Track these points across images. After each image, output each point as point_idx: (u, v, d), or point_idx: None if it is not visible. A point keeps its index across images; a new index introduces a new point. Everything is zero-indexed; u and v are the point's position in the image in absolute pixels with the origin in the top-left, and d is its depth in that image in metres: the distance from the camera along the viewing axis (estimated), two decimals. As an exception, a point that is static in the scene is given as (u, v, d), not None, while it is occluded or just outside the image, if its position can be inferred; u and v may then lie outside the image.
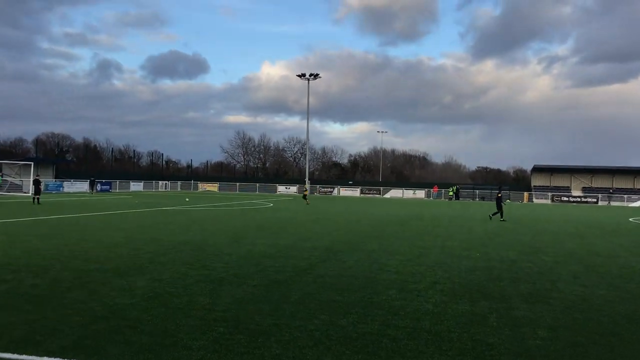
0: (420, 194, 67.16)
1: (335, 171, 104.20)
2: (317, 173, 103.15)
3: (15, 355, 5.16)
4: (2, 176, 43.43)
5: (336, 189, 69.19)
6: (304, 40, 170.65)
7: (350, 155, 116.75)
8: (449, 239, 17.05)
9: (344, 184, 73.30)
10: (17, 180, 48.70)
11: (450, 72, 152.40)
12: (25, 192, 44.88)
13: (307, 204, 39.32)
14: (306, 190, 44.29)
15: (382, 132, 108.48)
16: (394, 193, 67.84)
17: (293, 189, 69.47)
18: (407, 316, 7.18)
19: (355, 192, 68.49)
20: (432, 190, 66.31)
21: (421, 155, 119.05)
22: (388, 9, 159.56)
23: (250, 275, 9.72)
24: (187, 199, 40.64)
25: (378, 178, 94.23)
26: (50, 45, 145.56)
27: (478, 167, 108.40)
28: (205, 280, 9.11)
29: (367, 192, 68.45)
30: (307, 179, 63.90)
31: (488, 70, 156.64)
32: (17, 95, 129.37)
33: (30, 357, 5.13)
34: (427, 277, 10.17)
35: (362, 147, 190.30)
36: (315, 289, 8.67)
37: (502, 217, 27.27)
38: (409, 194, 67.50)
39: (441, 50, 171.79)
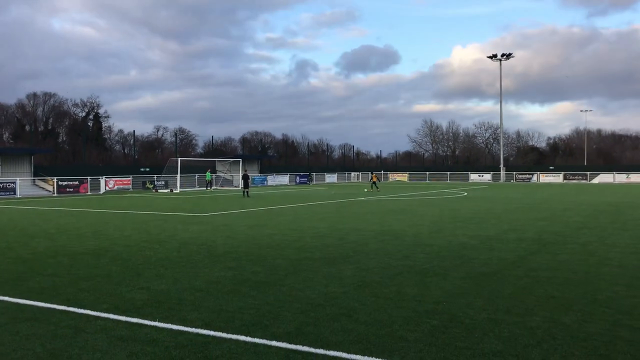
0: (636, 177, 59.86)
1: (532, 156, 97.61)
2: (511, 159, 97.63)
3: (249, 338, 5.64)
4: (211, 173, 48.48)
5: (535, 176, 64.80)
6: (499, 20, 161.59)
7: (549, 139, 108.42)
8: (682, 230, 14.84)
9: (544, 169, 68.34)
10: (228, 176, 54.15)
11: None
12: (235, 187, 49.74)
13: (378, 190, 38.35)
14: (374, 176, 41.69)
15: (587, 110, 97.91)
16: (603, 178, 61.42)
17: (487, 176, 66.78)
18: (643, 317, 6.36)
19: (557, 178, 63.45)
20: (650, 173, 58.71)
21: (633, 134, 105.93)
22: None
23: (455, 267, 9.49)
24: (365, 190, 40.84)
25: (582, 162, 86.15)
26: (255, 50, 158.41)
27: None
28: (410, 271, 9.12)
29: (571, 177, 62.98)
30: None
31: None
32: (226, 99, 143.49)
33: (261, 341, 5.56)
34: (661, 273, 8.94)
35: (564, 129, 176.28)
36: (529, 284, 8.14)
37: None
38: (621, 178, 60.59)
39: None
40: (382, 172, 74.66)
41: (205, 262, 10.14)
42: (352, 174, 72.89)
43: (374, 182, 40.85)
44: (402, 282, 8.26)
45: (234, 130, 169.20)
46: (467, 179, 67.31)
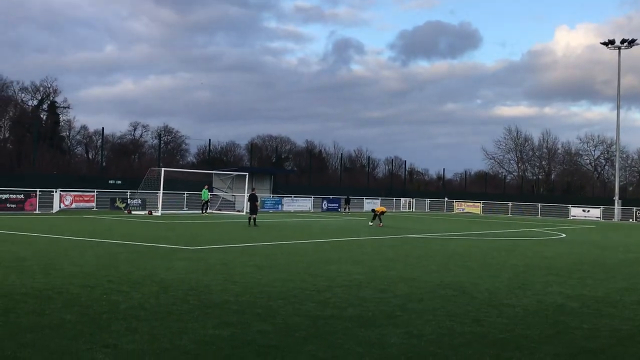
0: None
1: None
2: (631, 189, 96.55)
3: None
4: (209, 191, 48.73)
5: (665, 214, 63.82)
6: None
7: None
8: None
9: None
10: (229, 196, 54.56)
11: None
12: (238, 211, 50.07)
13: (370, 224, 38.05)
14: (381, 208, 40.38)
15: None
16: None
17: (594, 212, 65.98)
18: None
19: (696, 219, 62.37)
20: None
21: None
22: None
23: (546, 339, 9.40)
24: (370, 224, 38.24)
25: None
26: (279, 24, 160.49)
27: None
28: (480, 341, 9.06)
29: None
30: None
31: None
32: (235, 89, 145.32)
33: None
34: None
35: None
36: (653, 368, 8.03)
37: None
38: None
39: None
40: (445, 199, 74.41)
41: (194, 314, 10.21)
42: (402, 200, 72.78)
43: (379, 214, 38.86)
44: (470, 357, 8.21)
45: (241, 133, 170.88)
46: (567, 214, 66.63)
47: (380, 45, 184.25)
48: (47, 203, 42.46)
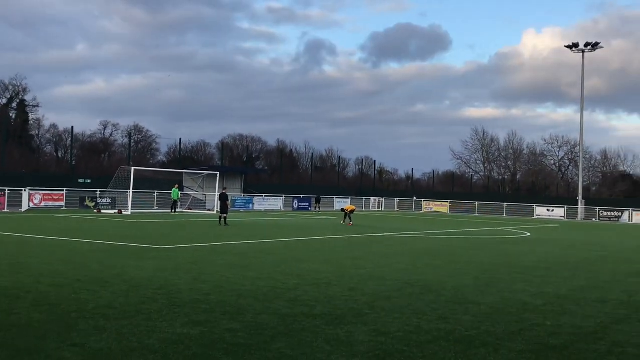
0: None
1: (623, 186, 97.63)
2: (594, 189, 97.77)
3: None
4: (178, 189, 48.44)
5: (626, 214, 64.65)
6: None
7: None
8: None
9: (639, 205, 68.20)
10: (199, 195, 54.32)
11: None
12: (209, 210, 49.89)
13: (342, 222, 38.74)
14: (350, 206, 41.46)
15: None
16: None
17: (558, 211, 66.73)
18: None
19: (656, 219, 63.30)
20: None
21: None
22: None
23: (511, 336, 9.48)
24: (341, 222, 39.82)
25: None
26: (251, 25, 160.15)
27: None
28: (447, 339, 9.11)
29: (676, 218, 62.82)
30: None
31: None
32: (207, 89, 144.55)
33: None
34: None
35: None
36: (613, 364, 8.13)
37: None
38: None
39: None
40: (414, 199, 74.77)
41: (163, 313, 10.15)
42: (372, 199, 72.98)
43: (348, 213, 39.29)
44: (436, 354, 8.24)
45: (212, 132, 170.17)
46: (532, 213, 67.29)
47: (352, 46, 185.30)
48: (16, 202, 41.91)
